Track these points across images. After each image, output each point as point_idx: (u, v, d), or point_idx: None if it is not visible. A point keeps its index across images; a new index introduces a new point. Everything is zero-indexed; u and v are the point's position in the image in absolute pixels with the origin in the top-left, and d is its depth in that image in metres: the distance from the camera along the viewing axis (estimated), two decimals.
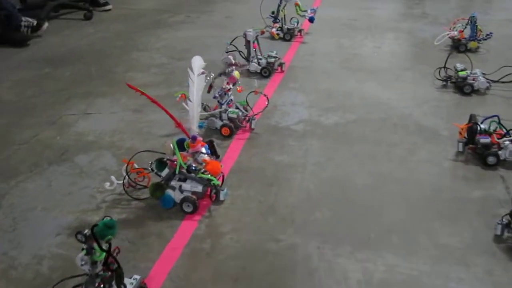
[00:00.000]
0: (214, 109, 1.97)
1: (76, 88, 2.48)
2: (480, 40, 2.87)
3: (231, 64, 1.95)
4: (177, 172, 1.50)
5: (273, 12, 3.10)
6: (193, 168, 1.51)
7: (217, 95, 1.91)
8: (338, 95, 2.34)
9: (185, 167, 1.50)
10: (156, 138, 1.96)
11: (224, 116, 1.97)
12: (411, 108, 2.19)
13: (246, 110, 2.02)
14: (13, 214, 1.53)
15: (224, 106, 1.95)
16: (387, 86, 2.44)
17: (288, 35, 3.13)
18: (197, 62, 1.57)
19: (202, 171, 1.51)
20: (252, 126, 1.99)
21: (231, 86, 1.94)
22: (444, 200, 1.56)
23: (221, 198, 1.54)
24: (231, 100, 1.98)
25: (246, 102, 2.01)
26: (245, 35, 2.54)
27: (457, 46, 2.88)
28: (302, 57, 2.85)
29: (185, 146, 1.50)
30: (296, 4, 3.12)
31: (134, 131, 2.03)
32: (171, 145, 1.50)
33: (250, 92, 1.99)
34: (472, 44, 2.87)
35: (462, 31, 2.88)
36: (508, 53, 2.86)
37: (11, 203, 1.59)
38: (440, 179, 1.68)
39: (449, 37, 2.90)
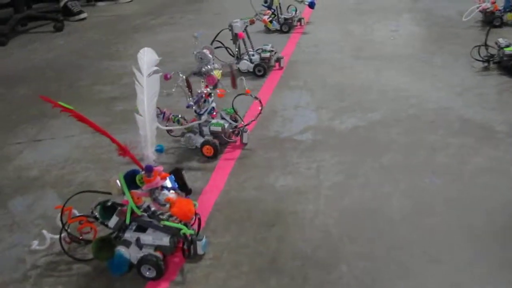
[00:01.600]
0: (191, 122, 1.49)
1: (29, 110, 2.01)
2: None
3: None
4: (127, 221, 1.01)
5: (265, 1, 2.61)
6: (152, 212, 1.03)
7: (192, 103, 1.42)
8: (353, 90, 1.84)
9: (139, 213, 1.01)
10: (118, 167, 1.47)
11: (206, 130, 1.48)
12: (450, 100, 1.69)
13: (235, 120, 1.54)
14: None
15: (204, 117, 1.47)
16: (412, 74, 1.94)
17: (285, 26, 2.64)
18: (147, 57, 1.09)
19: (166, 216, 1.03)
20: (244, 141, 1.51)
21: (210, 89, 1.45)
22: None
23: (199, 251, 1.06)
24: (213, 108, 1.49)
25: (234, 109, 1.52)
26: (231, 27, 2.06)
27: (491, 20, 2.39)
28: (304, 50, 2.36)
29: (138, 182, 1.01)
30: None
31: (92, 159, 1.56)
32: (118, 182, 1.02)
33: (238, 95, 1.50)
34: (509, 16, 2.37)
35: (495, 1, 2.38)
36: None
37: None
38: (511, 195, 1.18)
39: (480, 11, 2.40)
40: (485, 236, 1.06)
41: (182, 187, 1.11)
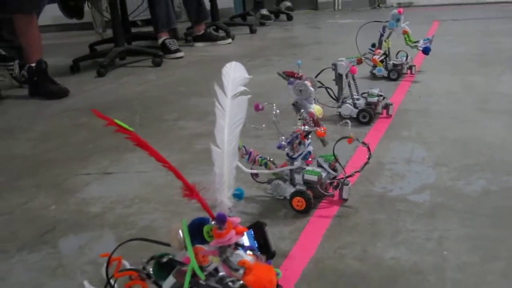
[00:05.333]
0: (282, 166, 1.22)
1: (106, 140, 1.85)
2: None
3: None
4: (186, 286, 0.75)
5: (373, 45, 2.34)
6: (222, 277, 0.76)
7: (284, 143, 1.16)
8: (480, 147, 1.50)
9: (203, 277, 0.74)
10: (190, 213, 1.23)
11: (298, 178, 1.21)
12: None
13: (335, 170, 1.25)
14: None
15: (297, 163, 1.20)
16: None
17: (394, 73, 2.34)
18: (234, 73, 0.85)
19: (238, 285, 0.75)
20: (344, 196, 1.21)
21: (308, 128, 1.19)
22: None
23: None
24: (310, 152, 1.22)
25: (335, 156, 1.24)
26: (335, 67, 1.81)
27: None
28: (416, 98, 2.06)
29: (205, 234, 0.75)
30: (405, 32, 2.35)
31: (161, 200, 1.33)
32: (180, 232, 0.76)
33: (341, 139, 1.22)
34: None
35: None
36: None
37: None
38: None
39: None
40: None
41: (263, 247, 0.83)
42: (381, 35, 2.33)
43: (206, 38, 3.96)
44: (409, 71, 2.42)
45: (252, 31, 4.49)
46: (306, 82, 1.21)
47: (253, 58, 3.30)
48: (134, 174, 1.53)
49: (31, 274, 1.05)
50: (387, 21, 2.32)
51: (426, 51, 2.35)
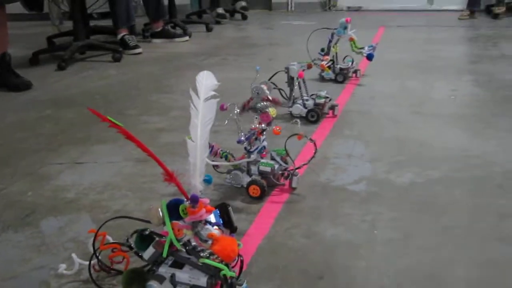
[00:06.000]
0: (240, 159, 1.40)
1: (75, 132, 1.98)
2: None
3: (265, 99, 1.40)
4: (164, 254, 0.92)
5: (322, 50, 2.54)
6: (193, 247, 0.93)
7: (243, 139, 1.34)
8: (411, 145, 1.73)
9: (179, 246, 0.92)
10: (158, 198, 1.39)
11: (254, 169, 1.40)
12: None
13: (286, 162, 1.45)
14: None
15: (254, 156, 1.38)
16: (476, 135, 1.82)
17: (340, 76, 2.57)
18: (206, 81, 1.02)
19: (207, 253, 0.93)
20: (293, 185, 1.41)
21: (264, 126, 1.37)
22: None
23: None
24: (264, 147, 1.41)
25: (286, 150, 1.43)
26: (287, 70, 2.01)
27: None
28: (359, 100, 2.28)
29: (180, 212, 0.92)
30: (351, 39, 2.58)
31: (132, 188, 1.49)
32: (159, 210, 0.93)
33: (292, 136, 1.41)
34: None
35: None
36: None
37: None
38: None
39: None
40: None
41: (227, 224, 1.01)
42: (330, 41, 2.54)
43: (164, 35, 4.08)
44: (354, 74, 2.64)
45: (209, 30, 4.64)
46: (262, 85, 1.39)
47: (210, 56, 3.45)
48: (104, 164, 1.67)
49: (18, 251, 1.19)
50: (335, 29, 2.53)
51: (369, 57, 2.59)
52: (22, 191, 1.49)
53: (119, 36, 3.67)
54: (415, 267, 1.07)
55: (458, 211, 1.30)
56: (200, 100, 0.99)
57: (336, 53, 2.57)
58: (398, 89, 2.46)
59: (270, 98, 1.41)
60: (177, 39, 4.10)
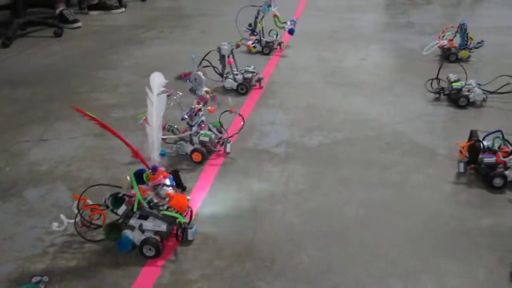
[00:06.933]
0: (184, 132, 1.75)
1: (34, 112, 2.24)
2: (471, 49, 2.70)
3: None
4: (135, 209, 1.27)
5: (250, 25, 2.89)
6: (155, 204, 1.29)
7: (185, 116, 1.69)
8: (322, 112, 2.13)
9: (145, 203, 1.27)
10: (119, 167, 1.73)
11: (195, 139, 1.75)
12: (404, 125, 1.98)
13: (220, 132, 1.81)
14: None
15: (194, 129, 1.73)
16: (375, 100, 2.24)
17: (266, 49, 2.92)
18: (157, 80, 1.35)
19: (166, 207, 1.29)
20: (227, 150, 1.78)
21: (201, 106, 1.72)
22: (449, 233, 1.35)
23: (190, 237, 1.32)
24: (203, 121, 1.76)
25: (220, 123, 1.79)
26: (219, 49, 2.34)
27: (447, 55, 2.71)
28: (282, 72, 2.65)
29: (144, 178, 1.27)
30: (275, 16, 2.92)
31: (95, 159, 1.80)
32: (128, 178, 1.28)
33: (224, 112, 1.77)
34: (463, 53, 2.69)
35: (452, 39, 2.71)
36: (501, 62, 2.69)
37: None
38: (442, 207, 1.47)
39: (439, 47, 2.72)
40: (421, 237, 1.34)
41: (179, 185, 1.37)
42: (256, 17, 2.87)
43: (101, 7, 4.25)
44: (278, 46, 3.00)
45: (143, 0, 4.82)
46: (199, 72, 1.72)
47: (148, 29, 3.69)
48: (68, 140, 1.96)
49: (10, 216, 1.49)
50: (260, 6, 2.86)
51: (291, 32, 2.95)
52: None
53: (58, 11, 3.83)
54: (318, 209, 1.47)
55: (353, 165, 1.71)
56: (154, 94, 1.32)
57: (262, 28, 2.92)
58: (315, 59, 2.84)
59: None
60: (113, 11, 4.28)
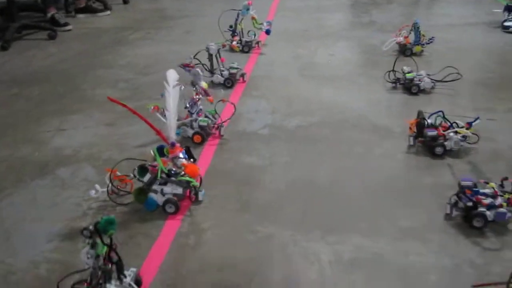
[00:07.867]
0: (185, 119, 2.11)
1: (47, 107, 2.56)
2: (423, 45, 3.11)
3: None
4: (158, 177, 1.63)
5: (231, 26, 3.27)
6: (173, 172, 1.65)
7: (187, 105, 2.05)
8: (299, 101, 2.51)
9: (166, 172, 1.63)
10: (132, 149, 2.08)
11: (195, 124, 2.10)
12: (366, 110, 2.38)
13: (215, 118, 2.17)
14: (4, 226, 1.62)
15: (194, 116, 2.09)
16: (343, 90, 2.63)
17: (246, 47, 3.29)
18: (172, 76, 1.71)
19: (181, 174, 1.65)
20: (222, 133, 2.14)
21: (200, 96, 2.08)
22: (401, 188, 1.75)
23: (200, 198, 1.68)
24: (201, 109, 2.12)
25: (215, 110, 2.16)
26: (207, 49, 2.69)
27: (403, 50, 3.12)
28: (261, 67, 3.02)
29: (164, 152, 1.63)
30: (253, 18, 3.29)
31: (110, 144, 2.14)
32: (152, 152, 1.64)
33: (218, 101, 2.14)
34: (416, 48, 3.10)
35: (407, 36, 3.12)
36: (449, 55, 3.11)
37: (0, 217, 1.68)
38: (395, 170, 1.87)
39: (396, 43, 3.13)
40: (379, 192, 1.73)
41: (190, 157, 1.73)
42: (236, 20, 3.24)
43: (88, 10, 4.55)
44: (257, 45, 3.38)
45: (125, 2, 5.11)
46: (197, 69, 2.09)
47: (134, 31, 4.01)
48: (83, 129, 2.30)
49: (48, 190, 1.83)
50: (240, 10, 3.23)
51: (267, 32, 3.34)
52: (29, 153, 2.10)
53: (49, 15, 4.11)
54: (299, 177, 1.85)
55: (326, 143, 2.09)
56: (170, 86, 1.68)
57: (242, 29, 3.29)
58: (290, 56, 3.23)
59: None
60: (100, 14, 4.58)
